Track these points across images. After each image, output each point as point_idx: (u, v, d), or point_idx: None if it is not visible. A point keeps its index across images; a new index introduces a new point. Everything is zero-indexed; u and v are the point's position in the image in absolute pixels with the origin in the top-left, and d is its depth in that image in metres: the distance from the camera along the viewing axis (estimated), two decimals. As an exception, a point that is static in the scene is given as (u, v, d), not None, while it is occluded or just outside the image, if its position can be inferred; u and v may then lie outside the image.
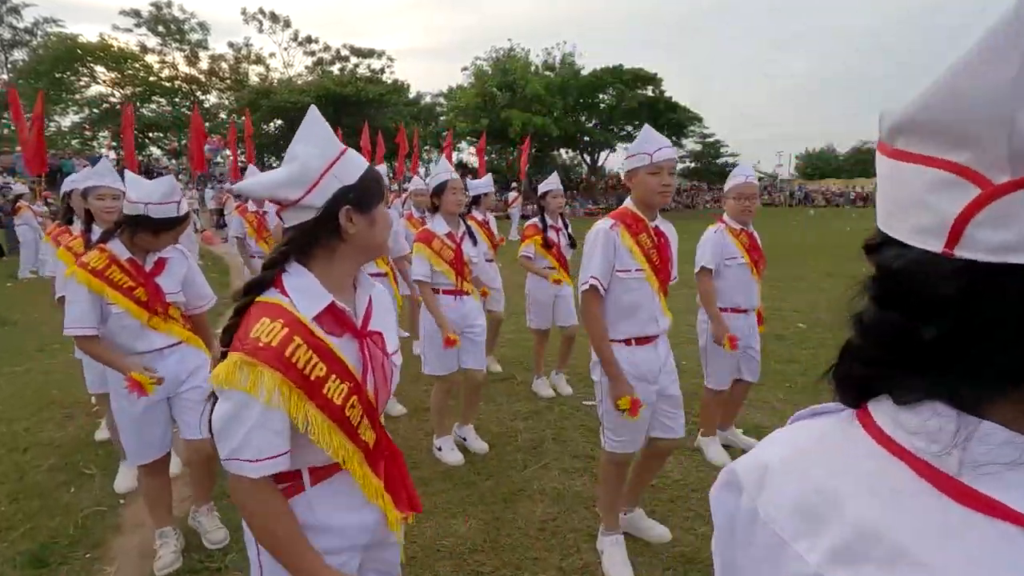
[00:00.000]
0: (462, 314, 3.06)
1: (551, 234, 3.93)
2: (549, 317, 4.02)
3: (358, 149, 19.32)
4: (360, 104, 26.95)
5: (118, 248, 2.17)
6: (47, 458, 3.30)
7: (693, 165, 45.76)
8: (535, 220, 4.01)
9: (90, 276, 2.09)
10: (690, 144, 42.58)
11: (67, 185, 3.83)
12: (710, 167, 43.56)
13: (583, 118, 34.83)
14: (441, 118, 36.39)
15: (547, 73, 33.87)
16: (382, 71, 32.86)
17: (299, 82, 30.42)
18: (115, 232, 2.17)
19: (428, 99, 36.78)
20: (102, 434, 3.53)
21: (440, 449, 3.15)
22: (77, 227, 3.27)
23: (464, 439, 3.28)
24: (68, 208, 3.75)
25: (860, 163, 59.14)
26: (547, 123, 30.32)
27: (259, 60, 35.03)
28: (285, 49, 36.57)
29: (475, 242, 3.10)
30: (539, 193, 4.02)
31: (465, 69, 35.33)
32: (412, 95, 34.14)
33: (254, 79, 33.91)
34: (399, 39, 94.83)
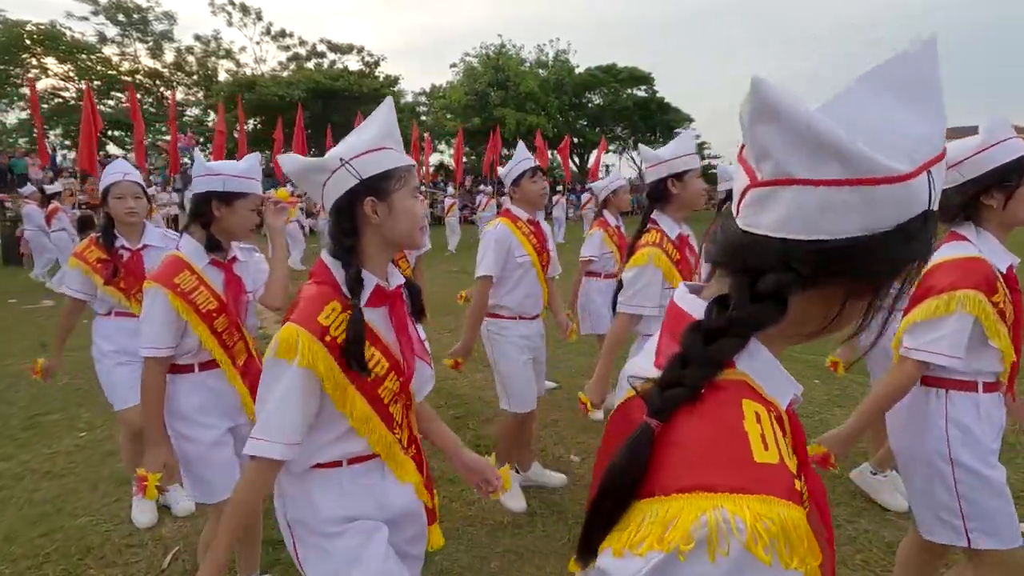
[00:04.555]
0: None
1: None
2: None
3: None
4: (352, 100, 25.01)
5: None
6: None
7: (677, 167, 45.31)
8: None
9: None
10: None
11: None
12: (694, 169, 43.11)
13: (571, 118, 33.64)
14: (423, 118, 34.82)
15: (539, 71, 32.55)
16: (376, 64, 30.93)
17: (284, 75, 28.19)
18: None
19: (409, 98, 35.14)
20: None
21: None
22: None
23: None
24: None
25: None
26: (542, 122, 29.00)
27: (229, 54, 32.55)
28: (257, 43, 34.17)
29: None
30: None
31: (454, 66, 33.83)
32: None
33: (223, 75, 31.46)
34: (369, 38, 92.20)
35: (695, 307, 0.63)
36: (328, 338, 1.12)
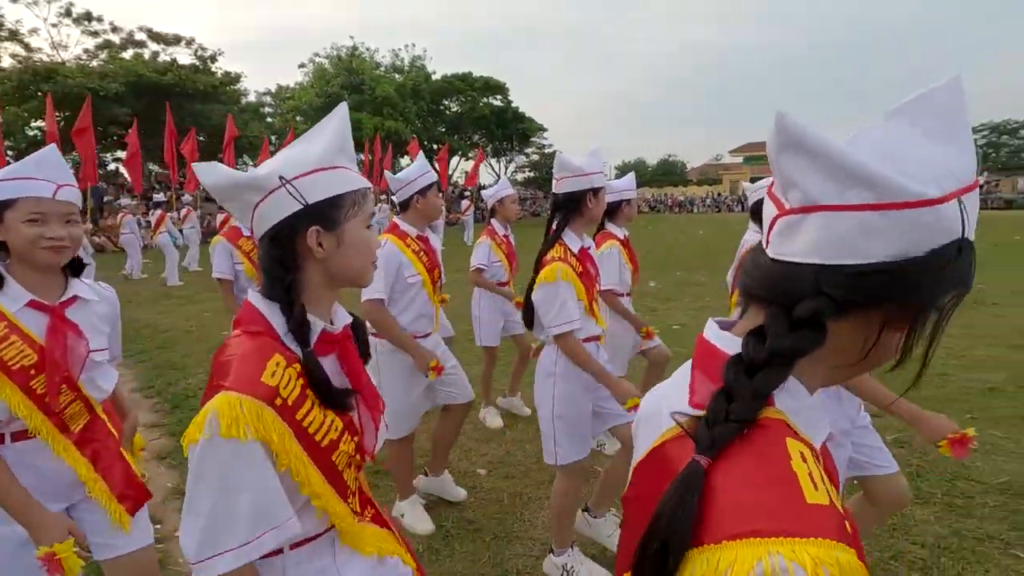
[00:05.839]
0: None
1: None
2: None
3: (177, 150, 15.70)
4: (184, 97, 22.30)
5: None
6: None
7: (532, 174, 47.51)
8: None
9: None
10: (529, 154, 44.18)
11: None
12: (547, 176, 45.55)
13: (429, 123, 33.66)
14: (268, 119, 32.46)
15: (395, 76, 32.03)
16: (212, 59, 27.88)
17: (93, 65, 24.20)
18: None
19: (252, 97, 32.55)
20: None
21: None
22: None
23: None
24: None
25: (667, 174, 67.46)
26: (400, 127, 28.53)
27: (14, 36, 27.24)
28: (54, 26, 29.03)
29: None
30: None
31: (303, 66, 31.99)
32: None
33: (8, 60, 26.27)
34: (200, 31, 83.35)
35: (728, 344, 0.62)
36: (279, 401, 0.88)
